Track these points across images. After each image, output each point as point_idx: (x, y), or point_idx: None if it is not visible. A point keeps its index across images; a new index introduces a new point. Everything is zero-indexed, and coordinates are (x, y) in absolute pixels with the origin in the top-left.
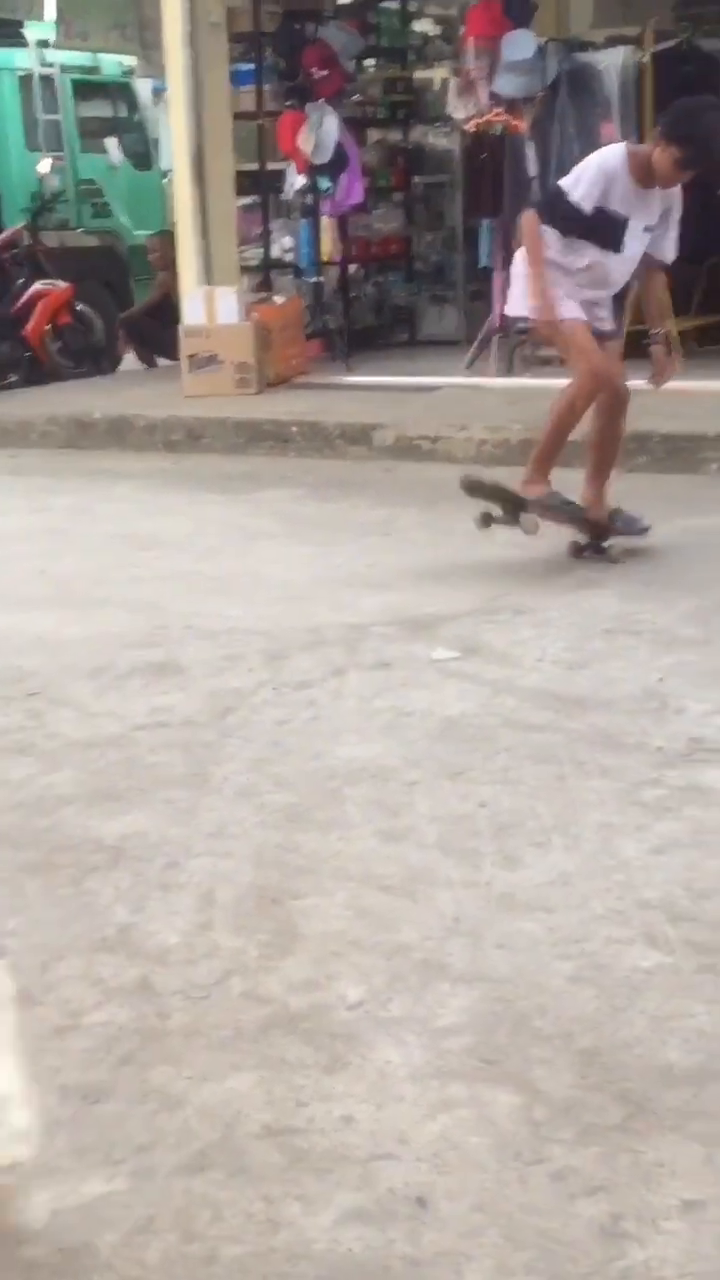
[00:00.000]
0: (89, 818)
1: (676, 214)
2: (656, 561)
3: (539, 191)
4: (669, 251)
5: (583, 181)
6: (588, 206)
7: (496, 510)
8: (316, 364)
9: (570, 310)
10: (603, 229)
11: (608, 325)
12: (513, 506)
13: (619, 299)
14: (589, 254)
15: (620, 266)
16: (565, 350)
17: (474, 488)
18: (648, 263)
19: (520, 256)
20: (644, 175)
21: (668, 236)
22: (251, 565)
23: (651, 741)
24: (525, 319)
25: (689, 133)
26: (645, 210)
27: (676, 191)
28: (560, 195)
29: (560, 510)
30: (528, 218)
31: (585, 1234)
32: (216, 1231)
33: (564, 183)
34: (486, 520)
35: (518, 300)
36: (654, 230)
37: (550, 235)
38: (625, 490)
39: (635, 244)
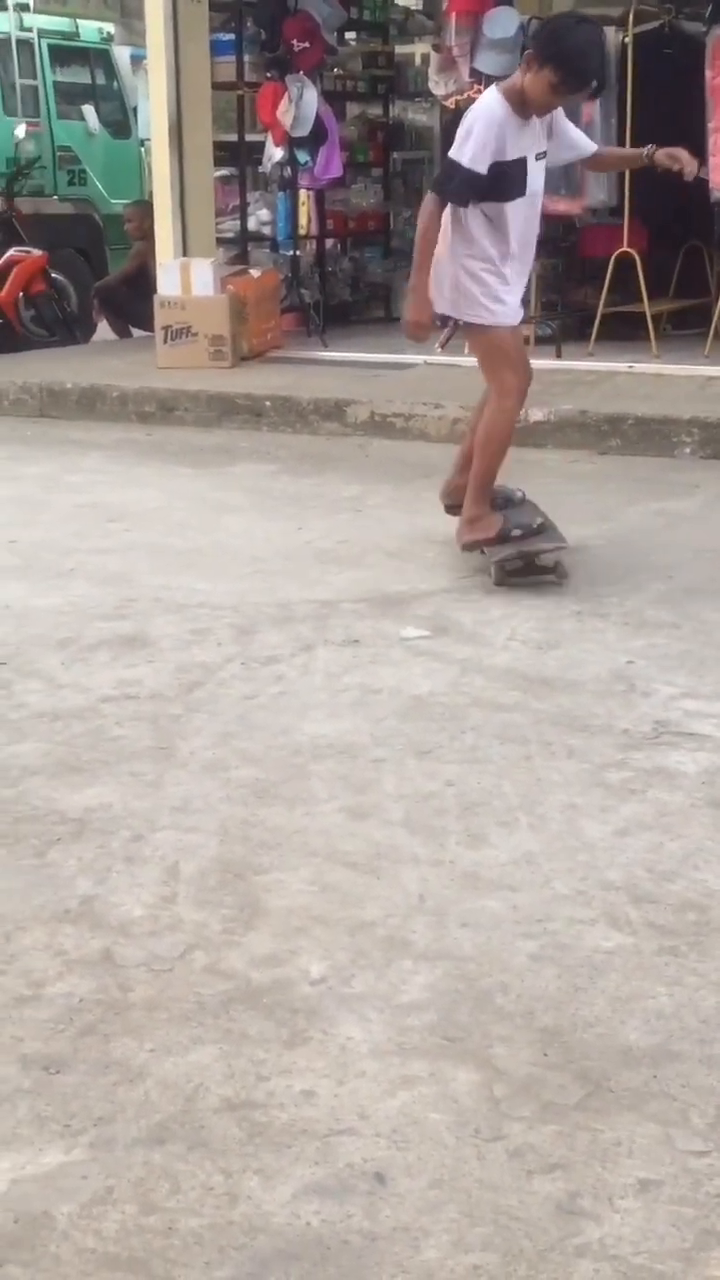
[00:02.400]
0: (54, 789)
1: (561, 116)
2: (627, 545)
3: (441, 171)
4: (586, 143)
5: (471, 143)
6: (482, 168)
7: (516, 564)
8: (291, 338)
9: (502, 315)
10: (506, 181)
11: (522, 314)
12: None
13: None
14: (507, 214)
15: (533, 206)
16: (488, 356)
17: (513, 574)
18: (581, 162)
19: (442, 246)
20: (521, 108)
21: (571, 137)
22: (221, 539)
23: (618, 724)
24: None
25: (562, 51)
26: (533, 140)
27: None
28: (456, 168)
29: (531, 536)
30: (427, 205)
31: (542, 1211)
32: (175, 1204)
33: (453, 153)
34: (504, 575)
35: (436, 291)
36: (546, 154)
37: (467, 219)
38: (597, 472)
39: (535, 177)
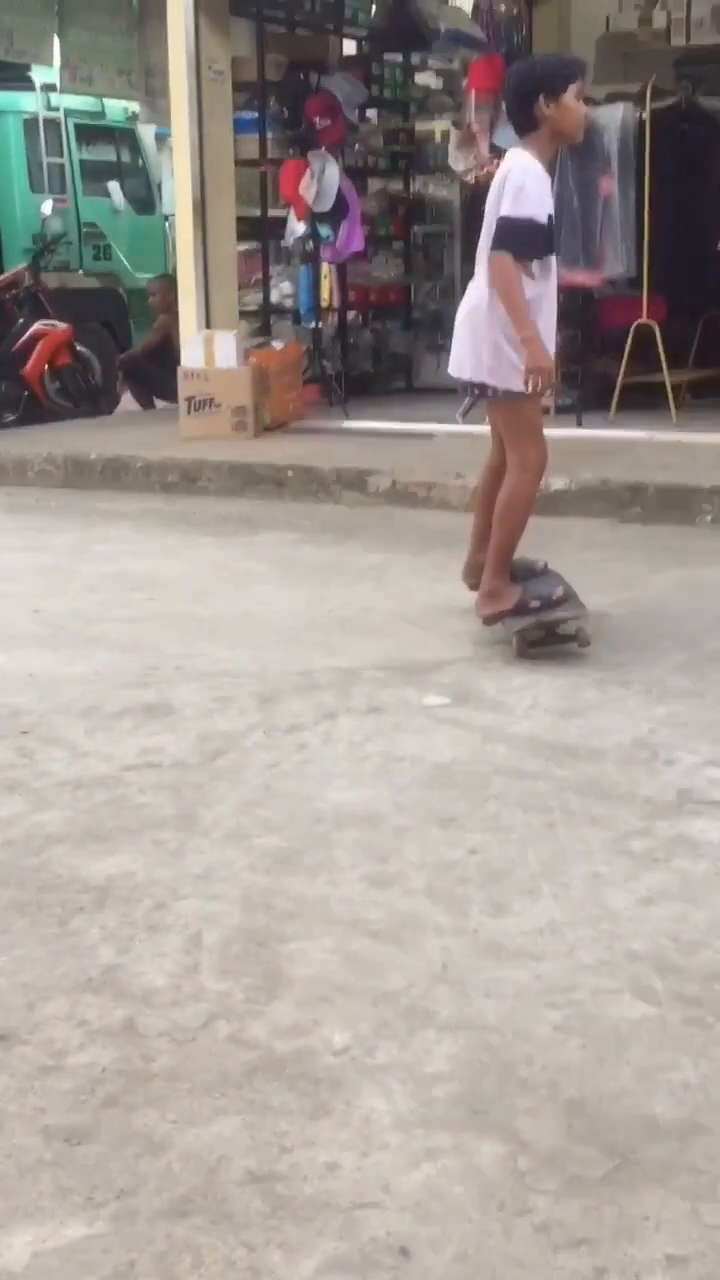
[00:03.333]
0: (77, 857)
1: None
2: (649, 613)
3: (495, 232)
4: None
5: (530, 194)
6: (544, 217)
7: (536, 634)
8: (313, 409)
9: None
10: (550, 234)
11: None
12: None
13: None
14: (551, 267)
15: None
16: (515, 429)
17: (534, 644)
18: None
19: (466, 309)
20: (547, 161)
21: None
22: (244, 608)
23: (641, 792)
24: (480, 384)
25: (554, 71)
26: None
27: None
28: (515, 223)
29: (550, 607)
30: (501, 262)
31: None
32: (197, 1278)
33: (510, 211)
34: (525, 646)
35: (468, 359)
36: (563, 240)
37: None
38: (619, 540)
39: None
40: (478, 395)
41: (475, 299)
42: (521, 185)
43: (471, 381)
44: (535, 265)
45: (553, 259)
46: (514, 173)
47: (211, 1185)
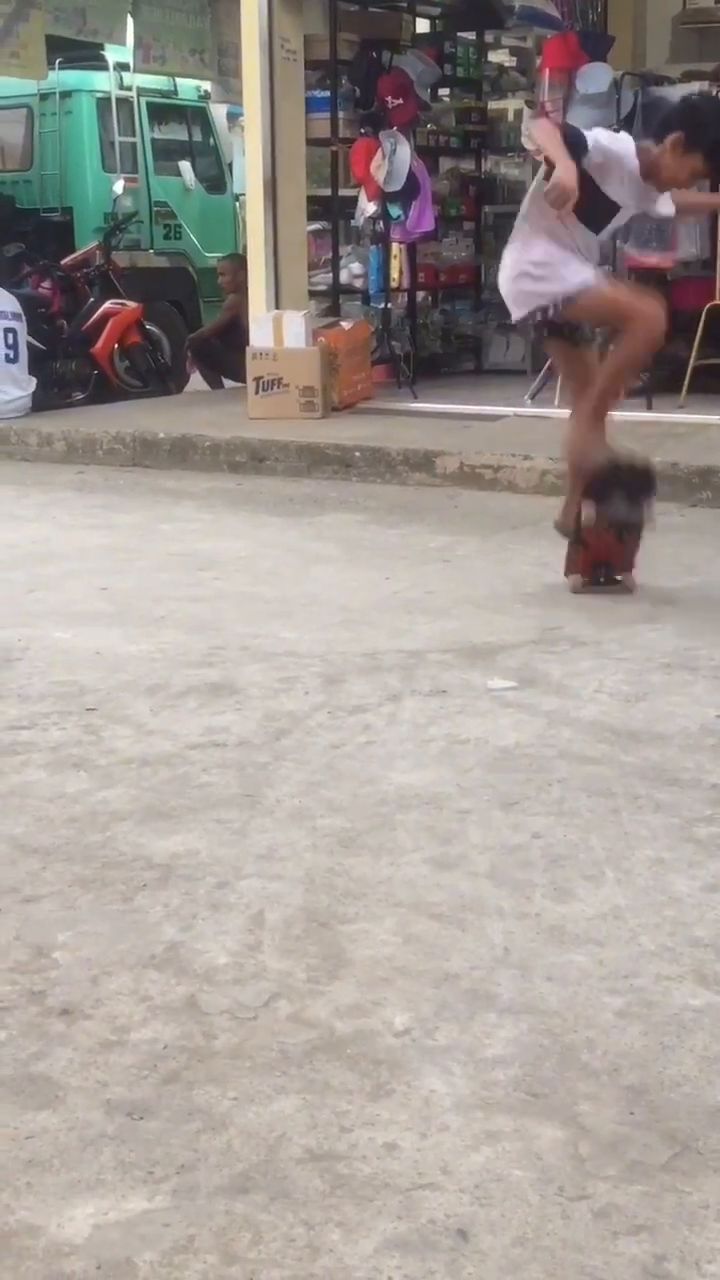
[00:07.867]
0: (141, 835)
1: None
2: (717, 598)
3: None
4: (667, 205)
5: (606, 142)
6: (588, 149)
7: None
8: (382, 390)
9: (589, 272)
10: (595, 211)
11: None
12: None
13: None
14: (578, 235)
15: (594, 249)
16: (609, 310)
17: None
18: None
19: (510, 259)
20: (647, 173)
21: (660, 202)
22: (310, 588)
23: (707, 778)
24: (537, 312)
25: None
26: (636, 202)
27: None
28: (581, 136)
29: (606, 517)
30: (545, 125)
31: (627, 1273)
32: (256, 1255)
33: (587, 133)
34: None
35: (520, 299)
36: (634, 220)
37: (548, 217)
38: (688, 524)
39: (608, 231)
40: (541, 320)
41: (511, 254)
42: (617, 137)
43: (536, 310)
44: (569, 229)
45: (592, 238)
46: (620, 139)
47: (271, 1163)
